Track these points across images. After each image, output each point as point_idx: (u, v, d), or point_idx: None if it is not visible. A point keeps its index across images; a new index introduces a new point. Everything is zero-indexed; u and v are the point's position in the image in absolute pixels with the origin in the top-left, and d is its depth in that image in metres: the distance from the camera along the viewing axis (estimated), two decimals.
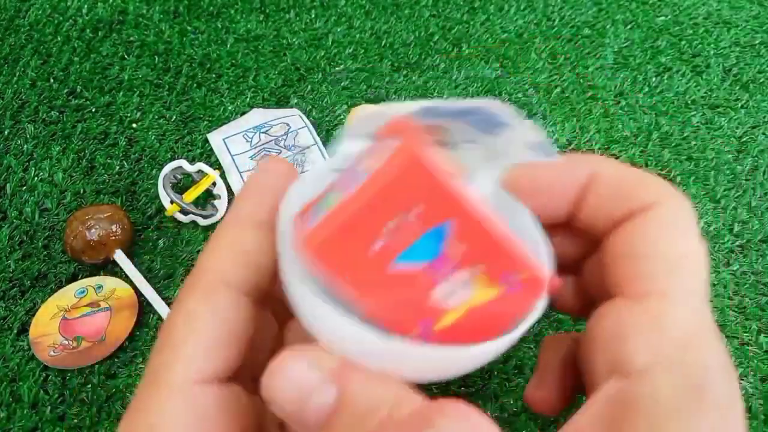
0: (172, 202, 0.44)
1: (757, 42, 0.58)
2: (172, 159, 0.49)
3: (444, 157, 0.20)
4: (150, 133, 0.51)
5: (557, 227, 0.23)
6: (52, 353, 0.38)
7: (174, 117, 0.52)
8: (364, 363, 0.19)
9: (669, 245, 0.20)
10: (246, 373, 0.22)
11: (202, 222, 0.45)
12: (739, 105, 0.52)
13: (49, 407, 0.37)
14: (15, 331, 0.40)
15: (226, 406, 0.19)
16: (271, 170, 0.22)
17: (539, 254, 0.23)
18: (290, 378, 0.18)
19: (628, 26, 0.60)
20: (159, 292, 0.41)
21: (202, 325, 0.19)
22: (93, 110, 0.53)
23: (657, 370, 0.18)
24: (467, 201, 0.20)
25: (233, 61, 0.57)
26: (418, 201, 0.19)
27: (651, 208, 0.20)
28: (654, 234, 0.20)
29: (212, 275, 0.20)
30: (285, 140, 0.50)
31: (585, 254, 0.24)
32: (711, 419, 0.17)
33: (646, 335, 0.19)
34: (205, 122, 0.52)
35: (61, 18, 0.61)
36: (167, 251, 0.44)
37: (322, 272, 0.19)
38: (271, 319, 0.24)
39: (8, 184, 0.47)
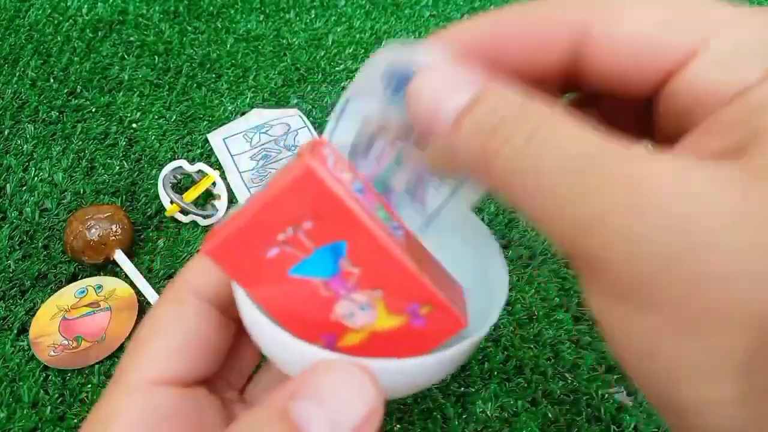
0: (172, 202, 0.44)
1: None
2: (172, 159, 0.49)
3: (348, 176, 0.20)
4: (150, 133, 0.51)
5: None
6: (52, 353, 0.38)
7: (174, 117, 0.52)
8: (289, 370, 0.20)
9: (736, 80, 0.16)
10: (223, 381, 0.23)
11: (202, 222, 0.45)
12: None
13: (49, 407, 0.37)
14: (15, 331, 0.40)
15: (184, 410, 0.20)
16: None
17: (459, 291, 0.22)
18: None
19: None
20: (159, 292, 0.41)
21: (166, 330, 0.20)
22: (93, 110, 0.53)
23: None
24: (363, 225, 0.19)
25: (233, 61, 0.57)
26: (309, 216, 0.19)
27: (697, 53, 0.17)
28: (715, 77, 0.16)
29: (183, 285, 0.21)
30: (285, 140, 0.50)
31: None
32: None
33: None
34: (205, 122, 0.52)
35: (61, 18, 0.61)
36: (167, 251, 0.44)
37: (223, 273, 0.20)
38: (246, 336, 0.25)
39: (8, 184, 0.47)
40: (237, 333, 0.23)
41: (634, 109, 0.19)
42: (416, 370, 0.20)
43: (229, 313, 0.22)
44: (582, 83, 0.19)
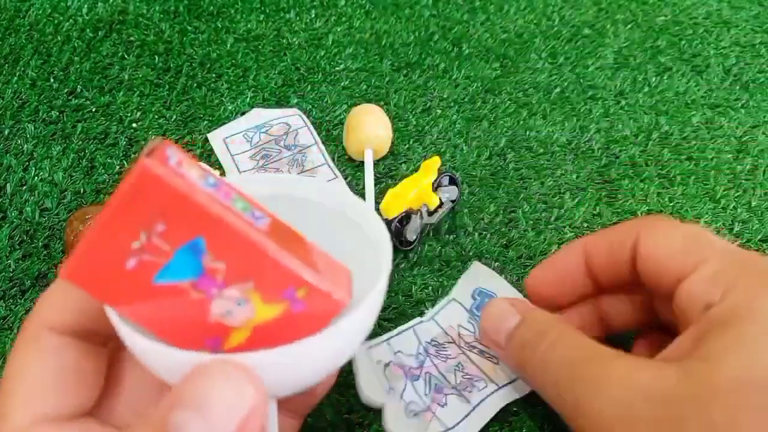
0: None
1: (757, 42, 0.58)
2: None
3: (196, 172, 0.19)
4: (150, 133, 0.51)
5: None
6: None
7: (174, 117, 0.52)
8: (169, 378, 0.19)
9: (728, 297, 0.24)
10: (123, 407, 0.23)
11: None
12: (739, 105, 0.52)
13: None
14: (15, 331, 0.40)
15: None
16: None
17: (346, 273, 0.22)
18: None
19: (628, 26, 0.60)
20: None
21: (28, 372, 0.20)
22: (93, 110, 0.53)
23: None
24: (216, 216, 0.18)
25: (233, 61, 0.57)
26: (159, 218, 0.18)
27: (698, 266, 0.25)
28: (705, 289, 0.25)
29: (37, 322, 0.21)
30: (285, 140, 0.50)
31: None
32: None
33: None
34: (205, 122, 0.52)
35: (61, 18, 0.61)
36: None
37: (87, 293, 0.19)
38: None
39: (8, 184, 0.47)
40: (122, 359, 0.23)
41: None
42: (294, 356, 0.19)
43: (95, 339, 0.22)
44: (635, 280, 0.28)
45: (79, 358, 0.21)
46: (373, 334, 0.36)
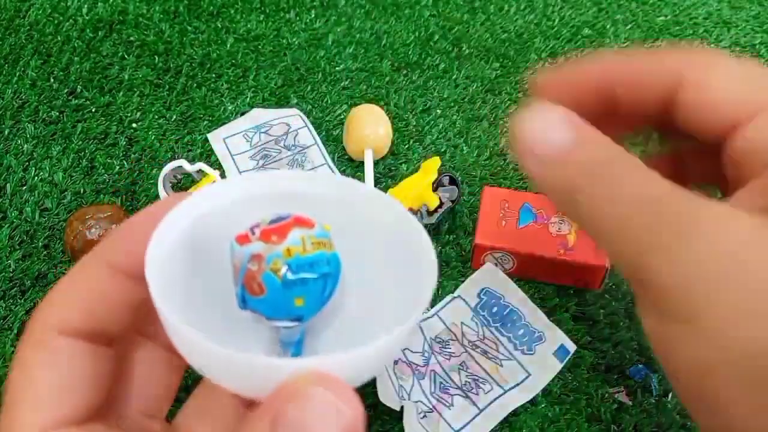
0: None
1: (757, 42, 0.58)
2: (172, 159, 0.49)
3: None
4: (150, 133, 0.51)
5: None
6: None
7: (174, 117, 0.52)
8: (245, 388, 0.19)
9: None
10: (132, 411, 0.22)
11: None
12: None
13: None
14: (15, 331, 0.40)
15: None
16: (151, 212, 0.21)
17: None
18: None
19: (628, 26, 0.60)
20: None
21: (38, 376, 0.20)
22: (93, 110, 0.53)
23: None
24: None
25: (233, 61, 0.57)
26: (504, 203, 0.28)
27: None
28: None
29: (41, 324, 0.20)
30: (285, 140, 0.50)
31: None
32: None
33: None
34: (205, 122, 0.52)
35: (61, 18, 0.61)
36: None
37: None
38: (154, 355, 0.23)
39: (8, 184, 0.47)
40: (130, 360, 0.22)
41: (712, 158, 0.23)
42: (369, 358, 0.19)
43: (101, 339, 0.21)
44: (669, 122, 0.23)
45: (86, 361, 0.20)
46: None
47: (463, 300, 0.38)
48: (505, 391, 0.34)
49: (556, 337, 0.36)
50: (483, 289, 0.38)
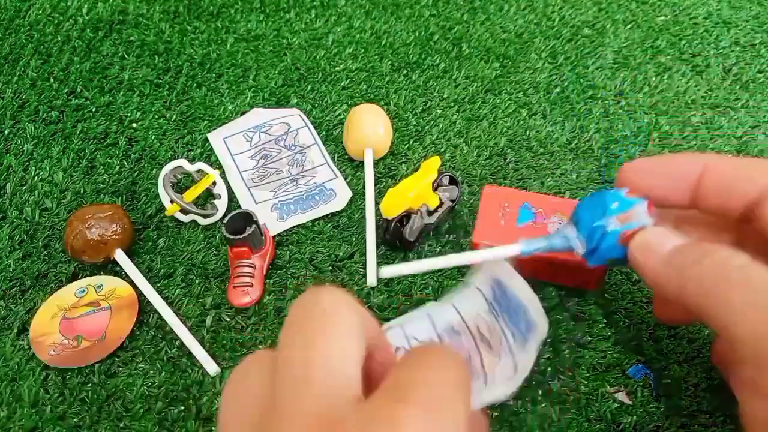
0: (172, 201, 0.44)
1: (757, 42, 0.58)
2: (172, 159, 0.49)
3: None
4: (150, 132, 0.51)
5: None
6: (52, 352, 0.38)
7: (174, 117, 0.52)
8: None
9: None
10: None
11: (202, 221, 0.45)
12: (739, 105, 0.52)
13: (50, 406, 0.37)
14: (15, 331, 0.40)
15: None
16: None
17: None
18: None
19: (628, 26, 0.60)
20: (159, 291, 0.41)
21: (345, 315, 0.19)
22: (93, 110, 0.53)
23: None
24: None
25: (233, 61, 0.57)
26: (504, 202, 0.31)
27: None
28: None
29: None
30: (285, 140, 0.50)
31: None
32: None
33: None
34: (205, 122, 0.52)
35: (61, 18, 0.61)
36: (167, 251, 0.44)
37: None
38: None
39: (8, 184, 0.47)
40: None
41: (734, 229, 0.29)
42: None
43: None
44: (698, 205, 0.29)
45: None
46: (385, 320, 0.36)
47: (479, 290, 0.37)
48: (486, 385, 0.33)
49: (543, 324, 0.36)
50: (495, 279, 0.37)
